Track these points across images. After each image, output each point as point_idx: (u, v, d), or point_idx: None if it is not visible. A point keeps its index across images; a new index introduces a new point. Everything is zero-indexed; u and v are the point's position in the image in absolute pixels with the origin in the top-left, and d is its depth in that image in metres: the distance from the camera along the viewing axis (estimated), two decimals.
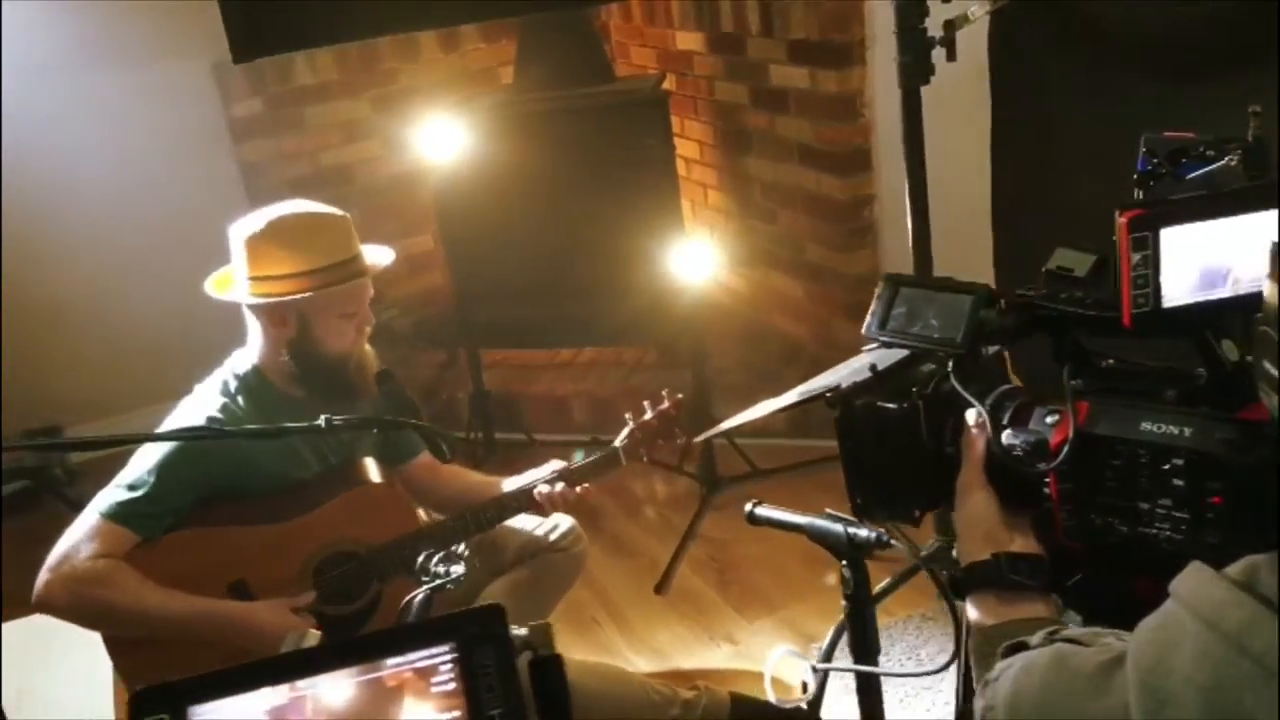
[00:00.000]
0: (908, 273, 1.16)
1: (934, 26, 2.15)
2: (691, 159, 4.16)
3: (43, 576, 1.92)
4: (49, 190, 3.69)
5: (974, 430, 1.06)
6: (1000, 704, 0.82)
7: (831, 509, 1.26)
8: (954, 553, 1.16)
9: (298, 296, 1.99)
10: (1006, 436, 1.04)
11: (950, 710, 2.31)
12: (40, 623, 2.60)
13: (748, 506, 1.23)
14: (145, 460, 1.97)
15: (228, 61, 3.83)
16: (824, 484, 3.23)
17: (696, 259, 2.95)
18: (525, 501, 2.16)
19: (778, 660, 1.24)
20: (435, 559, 1.76)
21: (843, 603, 1.17)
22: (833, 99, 3.31)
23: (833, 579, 1.85)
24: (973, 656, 1.02)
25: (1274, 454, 0.86)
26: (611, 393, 3.74)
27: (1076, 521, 1.01)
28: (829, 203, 3.48)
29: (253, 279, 2.02)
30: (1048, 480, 1.02)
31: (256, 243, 2.01)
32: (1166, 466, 0.94)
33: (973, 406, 1.06)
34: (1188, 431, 0.93)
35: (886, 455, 1.11)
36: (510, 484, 2.25)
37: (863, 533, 1.12)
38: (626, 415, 2.25)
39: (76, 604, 1.90)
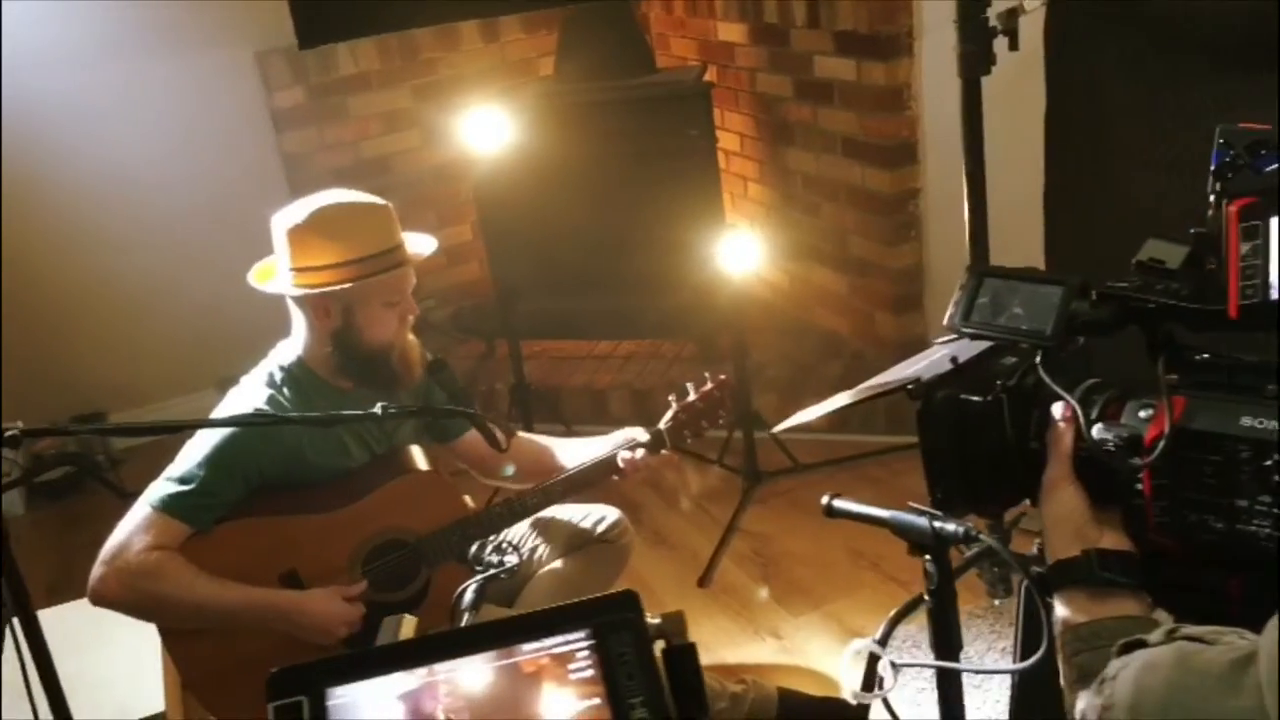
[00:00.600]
0: (991, 264, 1.13)
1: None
2: (731, 151, 4.14)
3: (97, 571, 1.92)
4: (93, 177, 3.72)
5: (1061, 424, 1.04)
6: (1121, 703, 0.80)
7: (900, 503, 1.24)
8: (1035, 547, 1.15)
9: (341, 286, 1.98)
10: (1098, 430, 1.01)
11: (1000, 709, 2.29)
12: (85, 608, 2.63)
13: (825, 499, 1.21)
14: (196, 452, 1.96)
15: (270, 50, 3.87)
16: (865, 479, 3.22)
17: (739, 252, 2.93)
18: (608, 470, 2.14)
19: (855, 654, 1.21)
20: (489, 548, 1.76)
21: (925, 598, 1.15)
22: (879, 91, 3.28)
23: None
24: (1061, 654, 1.00)
25: None
26: (650, 386, 3.73)
27: (1170, 518, 0.98)
28: (873, 196, 3.45)
29: (295, 270, 2.01)
30: (1140, 476, 0.99)
31: (299, 234, 2.00)
32: (1268, 462, 0.91)
33: (1060, 400, 1.04)
34: None
35: (968, 449, 1.08)
36: (570, 449, 2.24)
37: (950, 527, 1.09)
38: (670, 398, 2.24)
39: (131, 597, 1.91)
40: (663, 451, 2.17)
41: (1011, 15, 2.03)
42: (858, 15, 3.26)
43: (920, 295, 3.52)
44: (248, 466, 1.98)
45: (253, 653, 1.98)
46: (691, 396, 2.23)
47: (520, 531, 2.30)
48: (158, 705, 2.40)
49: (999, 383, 1.07)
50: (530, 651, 0.79)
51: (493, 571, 1.73)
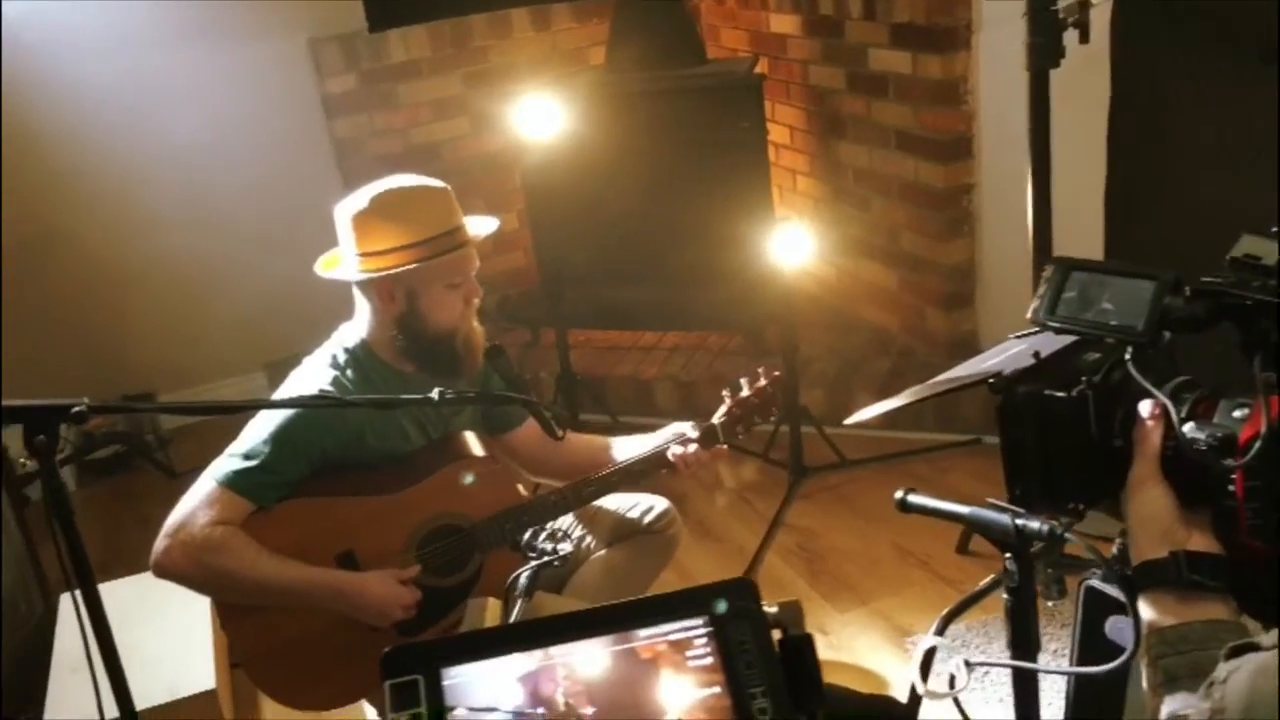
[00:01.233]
0: (1077, 257, 1.11)
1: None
2: (781, 144, 4.11)
3: (161, 543, 1.93)
4: (149, 160, 3.76)
5: (1149, 422, 1.02)
6: (1233, 706, 0.78)
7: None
8: (1115, 547, 1.12)
9: (405, 268, 1.99)
10: (1190, 429, 0.99)
11: (1053, 711, 2.25)
12: (135, 584, 2.66)
13: (898, 494, 1.19)
14: (261, 430, 1.98)
15: (323, 37, 3.89)
16: (912, 476, 3.18)
17: (788, 245, 2.90)
18: (657, 464, 2.14)
19: (924, 650, 1.20)
20: (542, 535, 1.76)
21: (1004, 597, 1.13)
22: (936, 84, 3.24)
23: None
24: (1145, 657, 0.98)
25: None
26: (696, 378, 3.71)
27: (1263, 520, 0.96)
28: (927, 191, 3.42)
29: (361, 255, 2.03)
30: (1233, 477, 0.97)
31: (363, 219, 2.01)
32: None
33: (1149, 397, 1.01)
34: None
35: (1050, 445, 1.06)
36: (623, 447, 2.23)
37: (1034, 524, 1.07)
38: (724, 392, 2.22)
39: (195, 570, 1.92)
40: (716, 446, 2.16)
41: (1083, 7, 2.00)
42: (915, 8, 3.22)
43: (971, 292, 3.48)
44: (311, 446, 1.99)
45: (305, 632, 2.00)
46: (745, 391, 2.21)
47: (567, 519, 2.30)
48: (208, 683, 2.43)
49: (1084, 379, 1.05)
50: (647, 637, 0.79)
51: (546, 559, 1.73)
